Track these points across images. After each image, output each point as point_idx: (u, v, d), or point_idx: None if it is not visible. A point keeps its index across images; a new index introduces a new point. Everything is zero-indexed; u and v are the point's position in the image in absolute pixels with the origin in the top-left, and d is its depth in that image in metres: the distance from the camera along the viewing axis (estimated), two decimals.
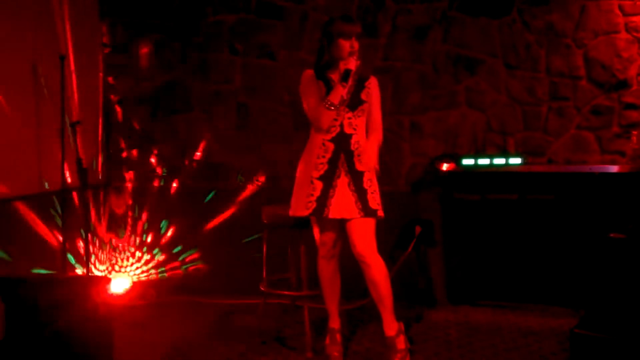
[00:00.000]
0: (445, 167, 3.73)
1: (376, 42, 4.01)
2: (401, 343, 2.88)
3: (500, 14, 3.90)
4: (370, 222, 2.85)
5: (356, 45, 2.82)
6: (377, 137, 2.96)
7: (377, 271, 2.83)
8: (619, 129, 3.78)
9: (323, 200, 2.82)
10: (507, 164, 3.65)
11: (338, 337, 3.01)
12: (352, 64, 2.78)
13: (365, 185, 2.85)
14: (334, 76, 2.84)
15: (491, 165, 3.65)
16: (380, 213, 2.87)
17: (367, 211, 2.83)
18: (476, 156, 3.70)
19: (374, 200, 2.86)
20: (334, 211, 2.82)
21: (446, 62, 3.97)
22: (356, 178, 2.85)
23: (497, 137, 3.93)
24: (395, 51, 4.01)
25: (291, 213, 2.93)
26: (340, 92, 2.78)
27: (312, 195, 2.83)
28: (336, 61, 2.83)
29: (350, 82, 2.83)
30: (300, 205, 2.87)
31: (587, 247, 3.42)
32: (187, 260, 4.22)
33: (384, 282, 2.84)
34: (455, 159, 3.71)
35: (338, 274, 3.02)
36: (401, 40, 4.00)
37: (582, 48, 3.80)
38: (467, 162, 3.66)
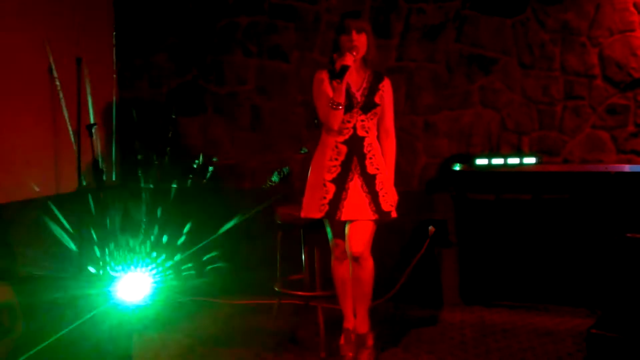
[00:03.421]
0: (459, 167, 3.72)
1: (389, 42, 4.01)
2: (370, 340, 2.94)
3: (514, 12, 3.88)
4: (373, 224, 2.86)
5: (360, 38, 2.76)
6: (391, 150, 2.94)
7: (368, 270, 2.85)
8: (634, 128, 3.74)
9: (336, 203, 2.83)
10: (521, 164, 3.63)
11: (353, 337, 3.01)
12: (349, 59, 2.71)
13: (377, 187, 2.86)
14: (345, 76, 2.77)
15: (505, 165, 3.63)
16: (394, 214, 2.89)
17: (381, 214, 2.84)
18: (490, 156, 3.68)
19: (386, 202, 2.87)
20: (347, 213, 2.82)
21: (460, 61, 3.96)
22: (369, 181, 2.85)
23: (511, 137, 3.91)
24: (408, 51, 4.01)
25: (303, 214, 2.93)
26: (342, 89, 2.74)
27: (324, 198, 2.84)
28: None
29: (365, 84, 2.80)
30: (313, 208, 2.88)
31: (603, 247, 3.40)
32: (201, 260, 4.24)
33: (370, 282, 2.87)
34: (469, 158, 3.69)
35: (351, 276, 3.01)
36: (414, 40, 4.00)
37: (597, 46, 3.77)
38: (481, 161, 3.65)
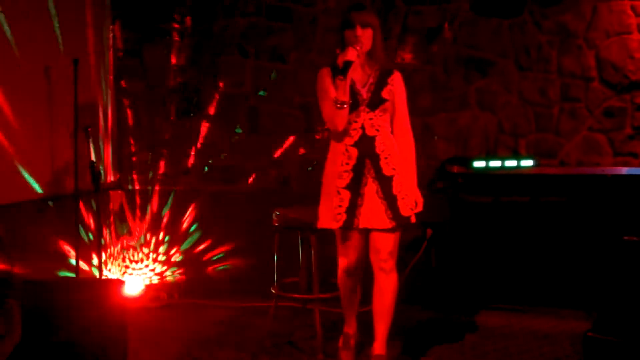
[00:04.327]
0: (456, 169, 3.71)
1: (387, 44, 4.00)
2: None
3: (511, 14, 3.88)
4: (398, 230, 2.71)
5: (366, 33, 2.60)
6: (409, 147, 2.74)
7: (392, 283, 2.74)
8: (631, 130, 3.75)
9: (352, 211, 2.65)
10: (518, 166, 3.63)
11: (352, 342, 2.94)
12: (352, 54, 2.53)
13: (395, 190, 2.67)
14: (349, 72, 2.56)
15: (503, 167, 3.63)
16: (413, 219, 2.74)
17: (399, 220, 2.67)
18: (487, 158, 3.68)
19: (406, 206, 2.69)
20: (364, 221, 2.65)
21: (457, 63, 3.96)
22: (385, 184, 2.66)
23: (508, 139, 3.91)
24: (405, 52, 4.01)
25: (319, 225, 2.76)
26: (345, 87, 2.56)
27: (340, 206, 2.66)
28: None
29: (371, 80, 2.67)
30: (329, 217, 2.71)
31: (600, 250, 3.40)
32: (198, 262, 4.23)
33: (394, 296, 2.75)
34: (467, 161, 3.69)
35: (359, 286, 2.87)
36: (412, 42, 4.00)
37: (594, 49, 3.78)
38: (479, 164, 3.65)
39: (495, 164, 3.64)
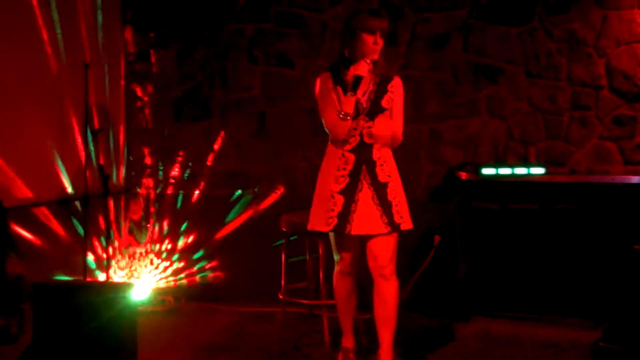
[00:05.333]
0: (464, 175, 3.71)
1: (395, 51, 4.01)
2: None
3: (521, 22, 3.88)
4: (395, 236, 2.72)
5: (380, 42, 2.60)
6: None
7: (393, 289, 2.73)
8: None
9: (345, 216, 2.65)
10: (528, 174, 3.61)
11: (352, 356, 2.89)
12: (364, 68, 2.55)
13: (390, 196, 2.70)
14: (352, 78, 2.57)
15: (512, 174, 3.62)
16: (410, 225, 2.74)
17: (394, 226, 2.69)
18: (497, 165, 3.67)
19: (398, 213, 2.71)
20: (357, 227, 2.65)
21: (466, 70, 3.96)
22: (380, 190, 2.68)
23: (518, 146, 3.91)
24: (414, 59, 4.01)
25: (310, 227, 2.78)
26: (353, 100, 2.58)
27: (332, 210, 2.67)
28: (356, 59, 2.59)
29: (371, 87, 2.67)
30: (320, 220, 2.71)
31: (609, 259, 3.39)
32: (206, 267, 4.23)
33: (396, 302, 2.74)
34: (476, 167, 3.68)
35: (355, 290, 2.86)
36: (420, 49, 4.00)
37: (604, 57, 3.78)
38: (488, 171, 3.64)
39: (504, 171, 3.63)
